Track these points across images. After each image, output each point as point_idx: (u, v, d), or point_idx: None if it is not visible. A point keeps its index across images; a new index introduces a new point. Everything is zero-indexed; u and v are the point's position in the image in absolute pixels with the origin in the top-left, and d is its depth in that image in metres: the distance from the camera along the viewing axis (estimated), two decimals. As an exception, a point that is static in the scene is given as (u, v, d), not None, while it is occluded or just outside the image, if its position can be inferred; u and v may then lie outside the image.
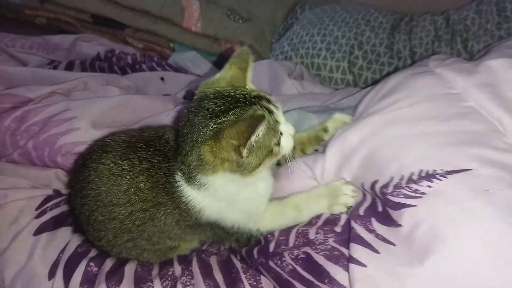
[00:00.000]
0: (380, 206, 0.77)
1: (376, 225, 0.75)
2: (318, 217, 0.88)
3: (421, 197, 0.69)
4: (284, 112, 1.31)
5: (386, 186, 0.76)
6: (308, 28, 2.07)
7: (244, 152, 0.72)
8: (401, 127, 0.83)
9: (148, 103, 1.30)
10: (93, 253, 0.97)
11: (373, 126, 0.86)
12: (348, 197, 0.86)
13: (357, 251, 0.72)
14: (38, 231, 1.00)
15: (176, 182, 0.83)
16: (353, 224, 0.77)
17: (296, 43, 2.04)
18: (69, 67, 1.69)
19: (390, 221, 0.72)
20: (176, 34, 2.29)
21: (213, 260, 0.94)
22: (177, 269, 0.92)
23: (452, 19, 1.91)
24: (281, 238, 0.87)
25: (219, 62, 2.20)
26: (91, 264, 0.94)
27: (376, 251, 0.70)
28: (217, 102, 0.76)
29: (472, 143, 0.73)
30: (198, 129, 0.75)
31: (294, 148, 0.88)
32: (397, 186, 0.74)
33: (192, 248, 0.99)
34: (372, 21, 2.01)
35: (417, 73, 0.96)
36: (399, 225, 0.70)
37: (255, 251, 0.89)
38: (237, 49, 0.98)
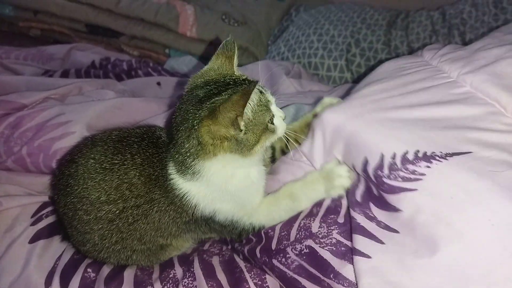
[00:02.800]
0: (375, 190, 0.74)
1: (375, 210, 0.71)
2: (319, 205, 0.84)
3: (420, 179, 0.66)
4: (282, 108, 1.28)
5: (380, 167, 0.72)
6: (304, 29, 2.05)
7: (242, 124, 0.73)
8: (393, 111, 0.79)
9: (144, 106, 1.28)
10: (90, 259, 0.94)
11: (360, 107, 0.83)
12: (343, 178, 0.82)
13: (360, 242, 0.68)
14: (34, 239, 0.98)
15: (169, 175, 0.81)
16: (353, 213, 0.74)
17: (293, 44, 2.02)
18: (64, 75, 1.68)
19: (387, 206, 0.69)
20: (171, 40, 2.28)
21: (215, 261, 0.90)
22: (178, 271, 0.89)
23: (448, 13, 1.90)
24: (282, 233, 0.84)
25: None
26: (89, 270, 0.91)
27: (380, 242, 0.66)
28: (208, 88, 0.77)
29: (469, 128, 0.70)
30: (193, 113, 0.75)
31: (288, 140, 0.86)
32: (393, 168, 0.70)
33: (183, 247, 0.96)
34: (368, 19, 1.99)
35: (409, 69, 0.93)
36: (399, 210, 0.66)
37: (257, 250, 0.85)
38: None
